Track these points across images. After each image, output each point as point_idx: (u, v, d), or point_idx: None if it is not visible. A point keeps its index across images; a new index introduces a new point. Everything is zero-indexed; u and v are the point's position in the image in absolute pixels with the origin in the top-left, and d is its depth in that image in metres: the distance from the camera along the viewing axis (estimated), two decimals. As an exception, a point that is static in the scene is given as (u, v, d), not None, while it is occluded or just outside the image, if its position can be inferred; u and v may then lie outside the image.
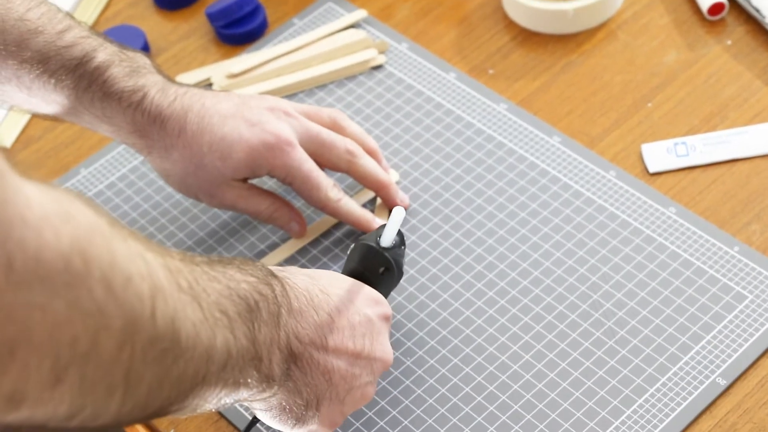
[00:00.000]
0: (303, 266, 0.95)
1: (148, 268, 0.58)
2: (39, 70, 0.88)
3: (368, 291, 0.80)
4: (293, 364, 0.73)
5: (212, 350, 0.64)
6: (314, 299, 0.75)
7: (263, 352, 0.70)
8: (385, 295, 0.84)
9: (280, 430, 0.78)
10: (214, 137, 0.90)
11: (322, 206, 0.93)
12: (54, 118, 0.92)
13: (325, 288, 0.77)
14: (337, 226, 0.98)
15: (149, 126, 0.90)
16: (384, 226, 0.84)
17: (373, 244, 0.83)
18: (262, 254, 0.97)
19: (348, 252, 0.86)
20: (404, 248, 0.85)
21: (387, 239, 0.83)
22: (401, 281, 0.92)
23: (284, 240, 0.98)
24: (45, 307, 0.51)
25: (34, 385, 0.52)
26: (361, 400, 0.79)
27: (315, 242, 0.97)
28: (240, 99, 0.93)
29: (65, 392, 0.54)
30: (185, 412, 0.66)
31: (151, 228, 1.00)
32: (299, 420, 0.76)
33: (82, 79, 0.88)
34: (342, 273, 0.83)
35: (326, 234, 0.97)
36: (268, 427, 0.84)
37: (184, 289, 0.61)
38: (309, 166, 0.91)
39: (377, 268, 0.83)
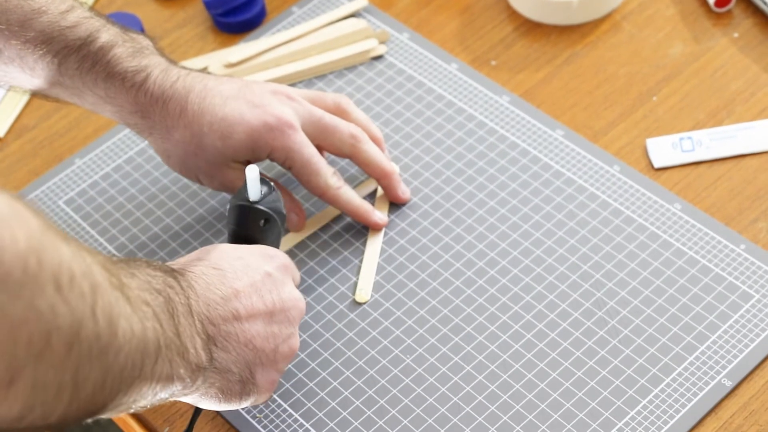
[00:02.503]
0: (301, 261, 0.94)
1: (87, 267, 0.60)
2: (42, 51, 0.87)
3: (258, 249, 0.82)
4: (213, 346, 0.75)
5: (146, 342, 0.65)
6: (212, 278, 0.77)
7: (187, 342, 0.71)
8: (277, 244, 0.85)
9: (229, 409, 0.79)
10: (215, 117, 0.89)
11: (321, 193, 0.92)
12: (56, 100, 0.92)
13: (216, 264, 0.78)
14: (336, 220, 0.96)
15: (151, 106, 0.90)
16: (245, 185, 0.84)
17: (244, 203, 0.84)
18: (259, 248, 0.95)
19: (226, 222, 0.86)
20: (276, 192, 0.86)
21: (253, 194, 0.84)
22: (402, 277, 0.91)
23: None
24: (4, 308, 0.52)
25: None
26: (291, 353, 0.80)
27: (314, 236, 0.95)
28: (243, 82, 0.93)
29: (18, 393, 0.55)
30: (121, 410, 0.67)
31: (147, 220, 0.99)
32: (241, 394, 0.78)
33: (86, 59, 0.88)
34: (227, 241, 0.85)
35: (325, 228, 0.96)
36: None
37: (115, 286, 0.63)
38: (310, 150, 0.91)
39: (257, 222, 0.84)
